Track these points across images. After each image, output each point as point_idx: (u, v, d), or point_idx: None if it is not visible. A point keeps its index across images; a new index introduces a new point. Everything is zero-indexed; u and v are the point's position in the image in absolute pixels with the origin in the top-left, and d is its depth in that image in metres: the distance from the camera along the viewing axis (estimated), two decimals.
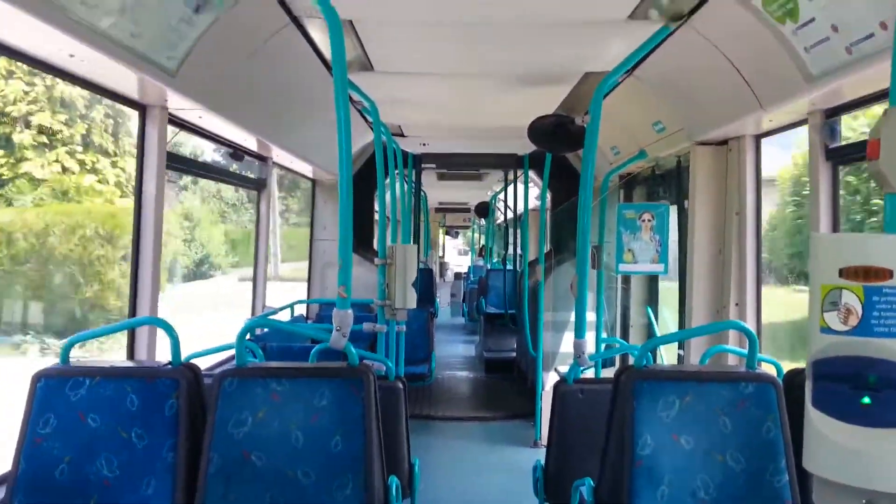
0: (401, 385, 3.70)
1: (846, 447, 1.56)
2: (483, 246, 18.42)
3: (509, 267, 10.63)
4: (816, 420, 1.62)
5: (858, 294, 1.56)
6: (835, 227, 3.32)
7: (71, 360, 2.69)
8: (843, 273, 1.58)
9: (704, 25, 3.33)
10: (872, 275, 1.54)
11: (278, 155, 5.48)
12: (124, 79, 2.95)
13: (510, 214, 10.48)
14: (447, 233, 25.68)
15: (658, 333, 5.69)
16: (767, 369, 2.74)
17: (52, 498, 2.50)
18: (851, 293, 1.56)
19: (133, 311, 3.49)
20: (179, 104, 3.42)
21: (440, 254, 22.50)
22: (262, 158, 5.44)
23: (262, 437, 2.58)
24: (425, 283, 9.12)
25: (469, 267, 19.17)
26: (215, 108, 3.57)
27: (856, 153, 3.18)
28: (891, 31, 2.22)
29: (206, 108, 3.49)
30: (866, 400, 1.56)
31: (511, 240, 10.65)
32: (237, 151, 4.82)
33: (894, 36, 1.62)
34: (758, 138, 4.11)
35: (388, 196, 5.02)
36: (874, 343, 1.54)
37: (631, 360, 2.81)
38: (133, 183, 3.55)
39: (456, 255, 32.11)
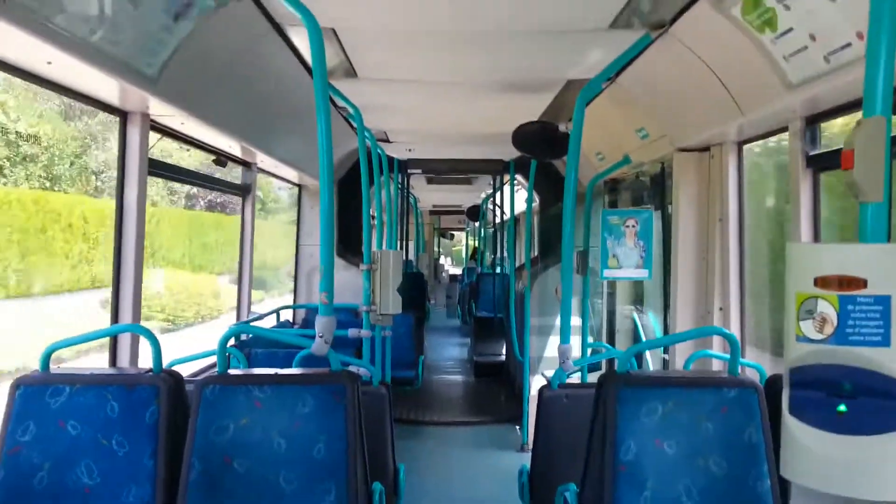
0: (385, 390, 3.69)
1: (823, 455, 1.57)
2: (475, 248, 18.43)
3: (499, 271, 10.65)
4: (793, 427, 1.63)
5: (833, 303, 1.57)
6: (816, 234, 3.35)
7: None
8: (817, 282, 1.59)
9: (685, 34, 3.35)
10: (846, 284, 1.55)
11: (262, 160, 5.47)
12: (104, 85, 2.93)
13: (500, 219, 10.51)
14: (442, 235, 25.65)
15: (644, 338, 5.71)
16: (751, 374, 2.76)
17: None
18: (826, 302, 1.57)
19: (115, 318, 3.47)
20: (161, 110, 3.40)
21: (435, 256, 22.47)
22: (247, 164, 5.43)
23: (244, 444, 2.58)
24: (416, 287, 9.11)
25: (463, 269, 19.19)
26: (197, 113, 3.56)
27: (837, 160, 3.20)
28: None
29: (188, 113, 3.47)
30: (842, 408, 1.57)
31: (500, 244, 10.67)
32: (221, 157, 4.80)
33: (867, 47, 1.64)
34: (740, 145, 4.13)
35: (374, 201, 5.02)
36: (849, 351, 1.55)
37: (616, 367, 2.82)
38: None
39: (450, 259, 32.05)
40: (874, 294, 1.54)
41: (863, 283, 1.55)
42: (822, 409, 1.59)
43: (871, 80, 1.65)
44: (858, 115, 1.66)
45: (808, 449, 1.60)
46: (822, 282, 1.58)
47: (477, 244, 18.10)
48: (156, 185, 12.98)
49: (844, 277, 1.56)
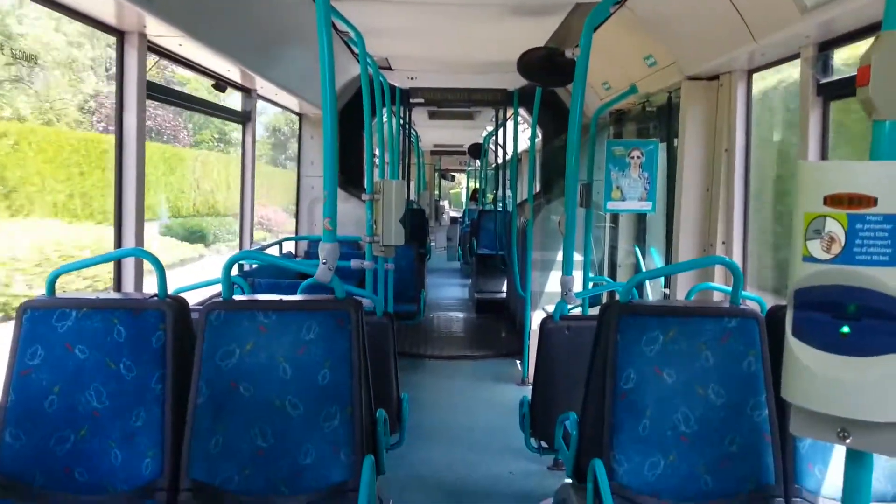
0: (388, 321, 3.71)
1: (824, 376, 1.57)
2: (476, 189, 18.32)
3: (500, 208, 10.61)
4: (796, 349, 1.63)
5: (842, 222, 1.54)
6: None
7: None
8: (827, 201, 1.56)
9: None
10: (857, 202, 1.53)
11: (263, 87, 5.37)
12: (101, 3, 2.85)
13: (503, 156, 10.40)
14: (443, 176, 25.47)
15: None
16: (752, 306, 2.77)
17: (43, 429, 2.52)
18: (835, 221, 1.55)
19: (118, 243, 3.47)
20: (158, 30, 3.32)
21: (436, 196, 22.39)
22: (246, 90, 5.34)
23: (249, 369, 2.60)
24: (417, 223, 9.10)
25: (464, 210, 19.13)
26: (196, 35, 3.47)
27: (847, 88, 3.14)
28: None
29: (186, 34, 3.39)
30: (845, 329, 1.56)
31: (502, 182, 10.60)
32: (220, 82, 4.72)
33: None
34: (749, 73, 4.05)
35: (375, 133, 4.95)
36: (856, 271, 1.54)
37: (617, 298, 2.82)
38: None
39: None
40: (884, 213, 1.52)
41: (873, 202, 1.52)
42: (826, 330, 1.59)
43: None
44: (870, 42, 1.60)
45: (811, 370, 1.60)
46: (831, 200, 1.55)
47: (477, 185, 17.99)
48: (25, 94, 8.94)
49: (854, 195, 1.53)
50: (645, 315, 2.64)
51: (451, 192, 30.86)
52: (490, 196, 14.81)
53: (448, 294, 11.98)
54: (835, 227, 1.55)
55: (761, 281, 4.31)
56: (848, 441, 1.59)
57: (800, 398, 1.64)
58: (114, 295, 2.87)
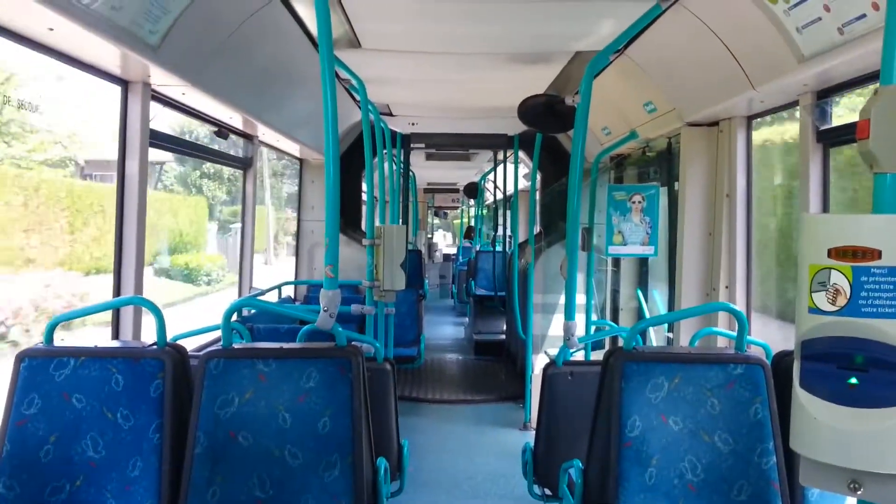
0: (389, 367, 3.68)
1: (833, 427, 1.56)
2: (470, 227, 18.37)
3: (498, 248, 10.61)
4: (804, 400, 1.62)
5: (847, 274, 1.54)
6: (825, 209, 3.32)
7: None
8: (831, 253, 1.56)
9: (696, 4, 3.30)
10: (861, 255, 1.53)
11: (264, 133, 5.42)
12: (105, 53, 2.89)
13: (500, 195, 10.43)
14: (436, 214, 25.63)
15: (648, 316, 5.68)
16: (756, 352, 2.74)
17: (38, 479, 2.47)
18: (840, 273, 1.55)
19: (117, 291, 3.45)
20: (162, 80, 3.36)
21: (429, 235, 22.44)
22: (248, 137, 5.38)
23: (248, 418, 2.56)
24: (414, 265, 9.08)
25: (458, 248, 19.13)
26: (199, 84, 3.51)
27: (847, 135, 3.16)
28: (882, 12, 2.19)
29: (189, 84, 3.43)
30: (853, 380, 1.55)
31: (500, 221, 10.62)
32: (222, 129, 4.76)
33: (887, 14, 1.59)
34: (749, 119, 4.09)
35: (376, 176, 4.97)
36: (862, 323, 1.53)
37: (621, 343, 2.80)
38: None
39: (443, 237, 31.93)
40: (888, 265, 1.51)
41: (877, 254, 1.52)
42: (834, 381, 1.58)
43: (889, 48, 1.61)
44: (869, 90, 1.63)
45: (819, 422, 1.58)
46: (835, 253, 1.56)
47: (473, 223, 18.04)
48: None
49: (859, 248, 1.53)
50: (649, 362, 2.62)
51: (454, 221, 30.99)
52: (487, 236, 14.83)
53: (444, 333, 11.89)
54: (840, 280, 1.55)
55: None
56: (859, 493, 1.57)
57: (809, 449, 1.62)
58: (112, 343, 2.85)
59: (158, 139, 3.77)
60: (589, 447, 2.79)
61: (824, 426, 1.56)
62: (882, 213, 1.58)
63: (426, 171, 13.78)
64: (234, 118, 4.65)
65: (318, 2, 2.72)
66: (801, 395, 1.62)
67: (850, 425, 1.54)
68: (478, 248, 13.86)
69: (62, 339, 2.68)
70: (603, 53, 3.52)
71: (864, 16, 2.40)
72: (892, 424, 1.52)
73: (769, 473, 2.50)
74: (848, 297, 1.54)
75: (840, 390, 1.56)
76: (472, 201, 17.26)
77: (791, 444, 1.65)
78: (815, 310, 1.58)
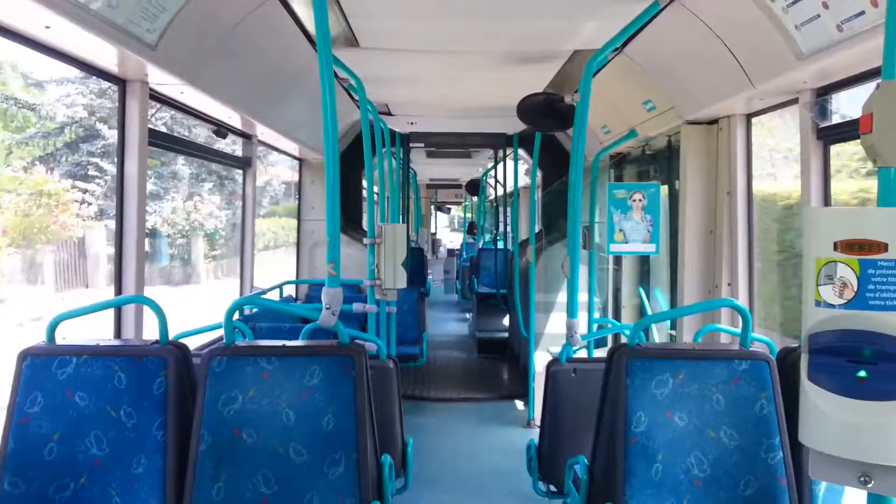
0: (392, 365, 3.68)
1: (842, 421, 1.56)
2: (473, 222, 18.37)
3: (500, 246, 10.60)
4: (812, 394, 1.62)
5: (854, 267, 1.54)
6: (825, 206, 3.32)
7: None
8: (837, 246, 1.56)
9: (694, 2, 3.30)
10: (867, 248, 1.53)
11: (263, 133, 5.41)
12: (103, 52, 2.88)
13: (501, 192, 10.42)
14: (438, 209, 25.64)
15: (650, 314, 5.68)
16: (760, 348, 2.74)
17: (42, 477, 2.47)
18: (846, 266, 1.55)
19: (119, 290, 3.45)
20: (160, 79, 3.35)
21: (432, 230, 22.44)
22: (247, 136, 5.37)
23: (252, 415, 2.56)
24: (416, 263, 9.07)
25: (462, 243, 19.11)
26: (197, 83, 3.51)
27: (847, 131, 3.16)
28: (881, 8, 2.19)
29: (187, 83, 3.42)
30: (862, 373, 1.55)
31: (502, 218, 10.60)
32: (221, 129, 4.75)
33: (887, 10, 1.59)
34: (748, 117, 4.09)
35: (376, 175, 4.96)
36: (869, 316, 1.53)
37: (623, 341, 2.79)
38: None
39: (448, 231, 31.93)
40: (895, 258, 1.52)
41: (884, 247, 1.52)
42: (842, 375, 1.58)
43: (890, 43, 1.61)
44: (870, 86, 1.63)
45: (828, 415, 1.58)
46: (842, 246, 1.56)
47: (475, 219, 18.04)
48: None
49: (865, 241, 1.53)
50: (654, 358, 2.61)
51: (460, 216, 31.03)
52: (489, 235, 14.82)
53: (447, 330, 11.89)
54: (847, 273, 1.55)
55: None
56: (870, 486, 1.56)
57: (817, 443, 1.62)
58: (114, 341, 2.84)
59: (157, 138, 3.76)
60: (594, 443, 2.79)
61: (833, 419, 1.56)
62: (887, 207, 1.58)
63: (428, 167, 13.78)
64: (232, 117, 4.64)
65: (315, 1, 2.72)
66: (809, 389, 1.62)
67: (860, 418, 1.54)
68: (480, 246, 13.84)
69: (63, 337, 2.68)
70: (601, 52, 3.52)
71: (862, 13, 2.39)
72: None
73: (775, 469, 2.50)
74: (855, 290, 1.54)
75: (849, 383, 1.56)
76: (474, 198, 17.26)
77: (800, 438, 1.65)
78: (822, 303, 1.58)
